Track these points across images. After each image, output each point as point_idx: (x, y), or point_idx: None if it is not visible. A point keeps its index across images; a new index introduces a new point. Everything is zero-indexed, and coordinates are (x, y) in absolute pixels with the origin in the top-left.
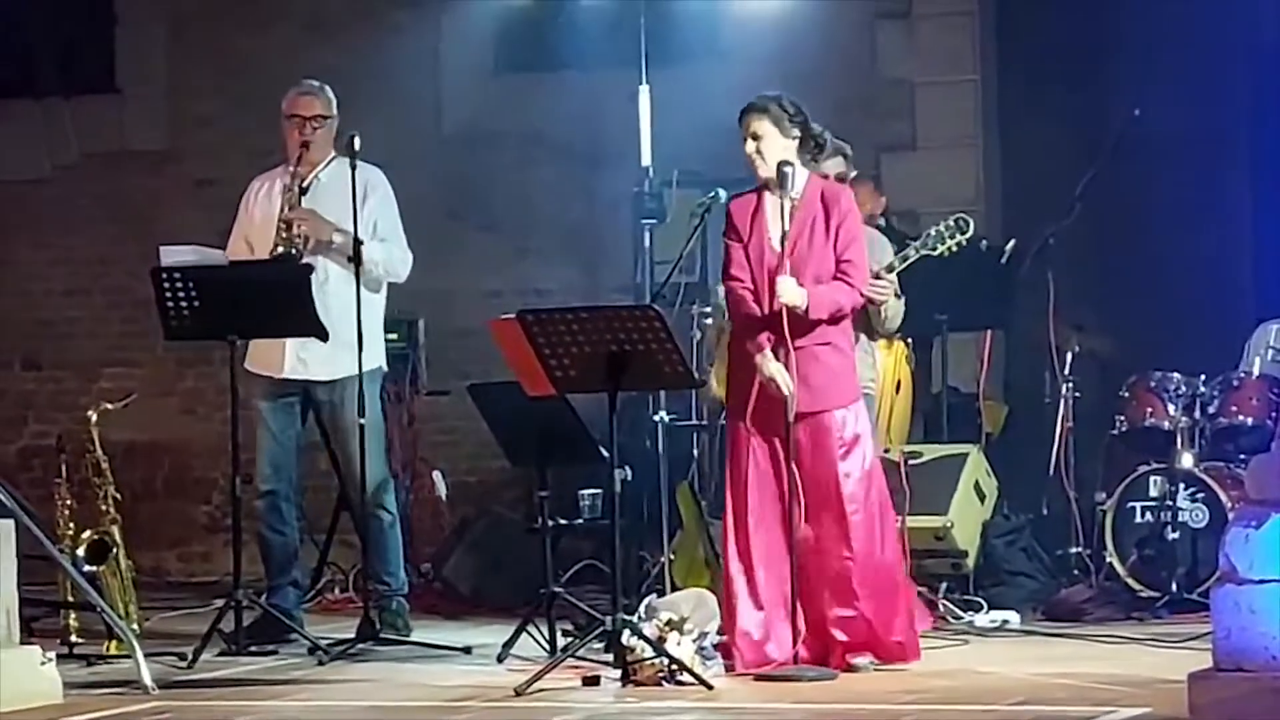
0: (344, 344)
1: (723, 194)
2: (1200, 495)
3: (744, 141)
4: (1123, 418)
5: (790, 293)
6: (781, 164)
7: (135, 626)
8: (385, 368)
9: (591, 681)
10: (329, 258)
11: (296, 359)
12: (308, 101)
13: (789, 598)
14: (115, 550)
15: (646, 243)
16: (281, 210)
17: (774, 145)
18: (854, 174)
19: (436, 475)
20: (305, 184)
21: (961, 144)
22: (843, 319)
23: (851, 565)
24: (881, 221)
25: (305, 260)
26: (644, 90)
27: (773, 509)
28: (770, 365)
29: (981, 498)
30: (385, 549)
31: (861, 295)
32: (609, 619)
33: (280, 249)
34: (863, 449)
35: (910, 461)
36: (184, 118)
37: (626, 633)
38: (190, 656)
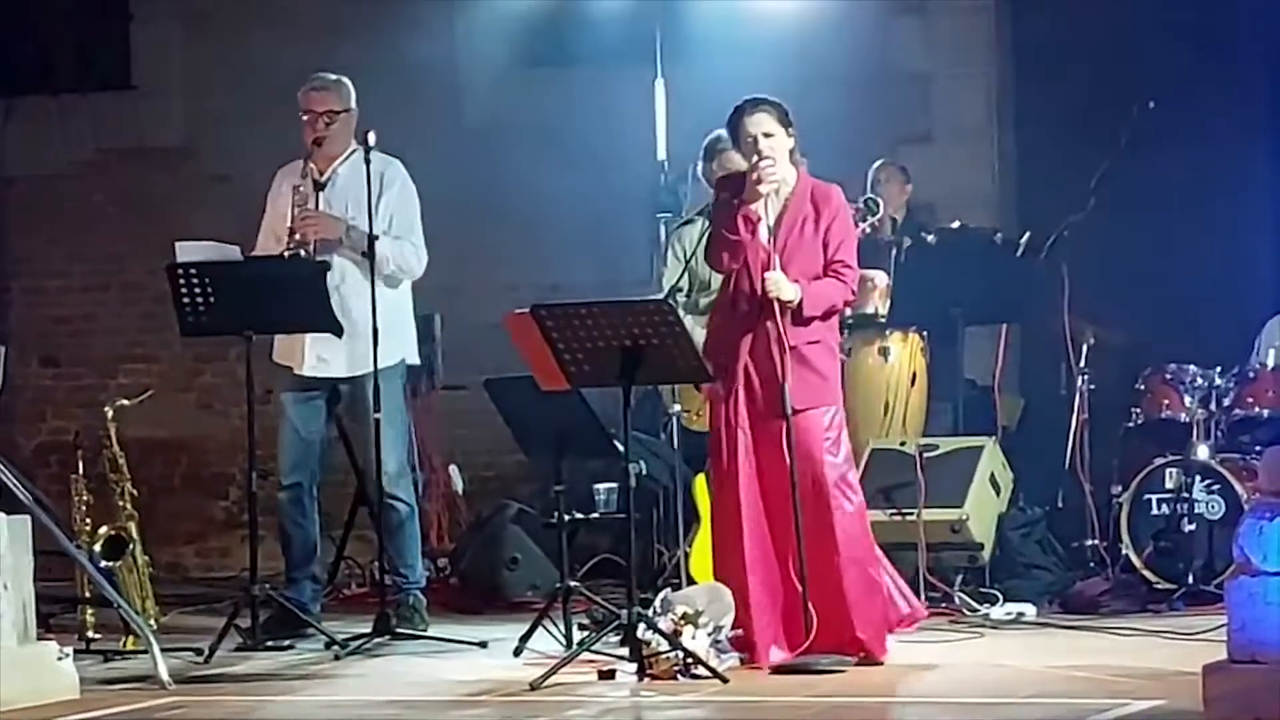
0: (364, 340)
1: None
2: (1216, 487)
3: (746, 141)
4: (1138, 410)
5: (781, 286)
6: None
7: (152, 622)
8: (411, 361)
9: (607, 675)
10: (343, 255)
11: (317, 359)
12: (320, 97)
13: (781, 596)
14: (132, 546)
15: (662, 237)
16: (291, 212)
17: (782, 144)
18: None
19: (453, 469)
20: (324, 179)
21: (977, 137)
22: (834, 315)
23: (836, 560)
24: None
25: (319, 259)
26: (659, 85)
27: (757, 507)
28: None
29: (997, 490)
30: (402, 542)
31: (854, 293)
32: (624, 613)
33: (289, 253)
34: (845, 447)
35: (926, 454)
36: (200, 114)
37: (642, 627)
38: (207, 652)
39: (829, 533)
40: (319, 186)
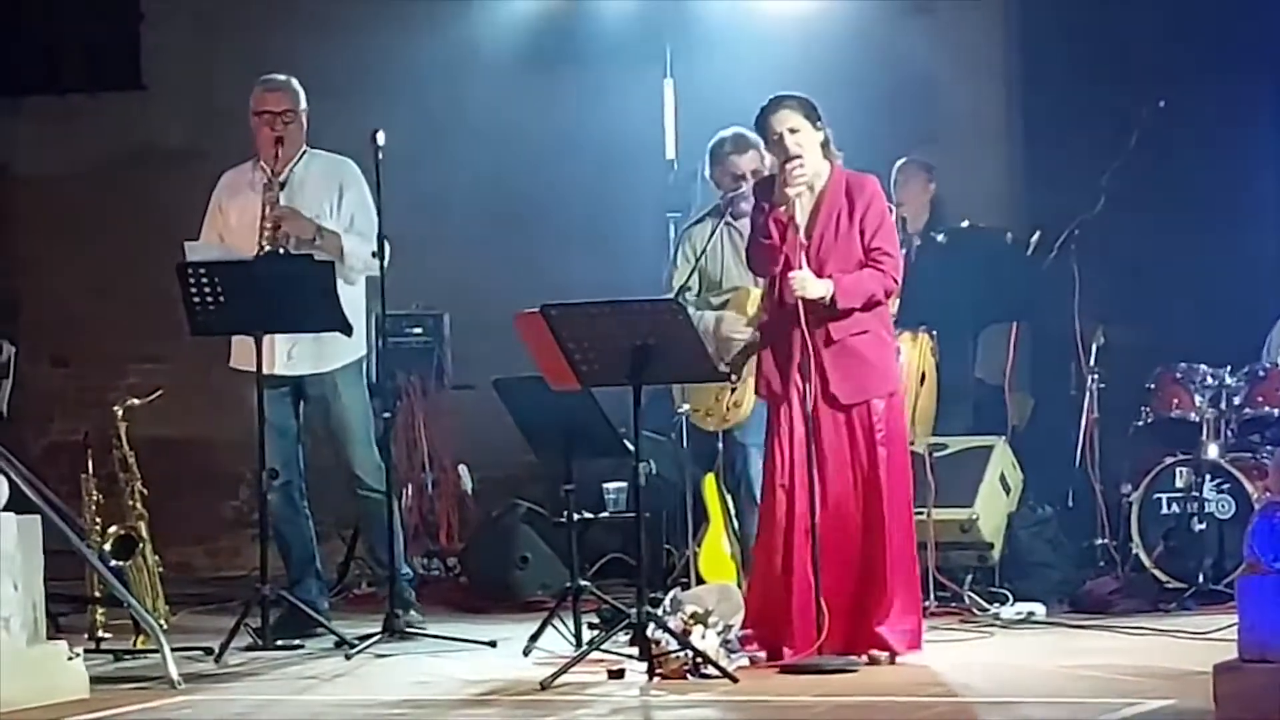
0: (330, 337)
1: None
2: (1226, 486)
3: (773, 139)
4: (1149, 409)
5: (805, 285)
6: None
7: (162, 621)
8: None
9: (617, 675)
10: (313, 253)
11: (286, 356)
12: (277, 97)
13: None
14: (142, 545)
15: (672, 236)
16: (264, 210)
17: (809, 139)
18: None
19: (463, 469)
20: (282, 179)
21: (987, 137)
22: (877, 305)
23: (884, 553)
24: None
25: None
26: (668, 84)
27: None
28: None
29: (1007, 489)
30: (382, 534)
31: (895, 281)
32: (634, 612)
33: (267, 249)
34: (900, 437)
35: (935, 454)
36: (210, 114)
37: (651, 626)
38: (217, 651)
39: (879, 527)
40: (280, 186)
